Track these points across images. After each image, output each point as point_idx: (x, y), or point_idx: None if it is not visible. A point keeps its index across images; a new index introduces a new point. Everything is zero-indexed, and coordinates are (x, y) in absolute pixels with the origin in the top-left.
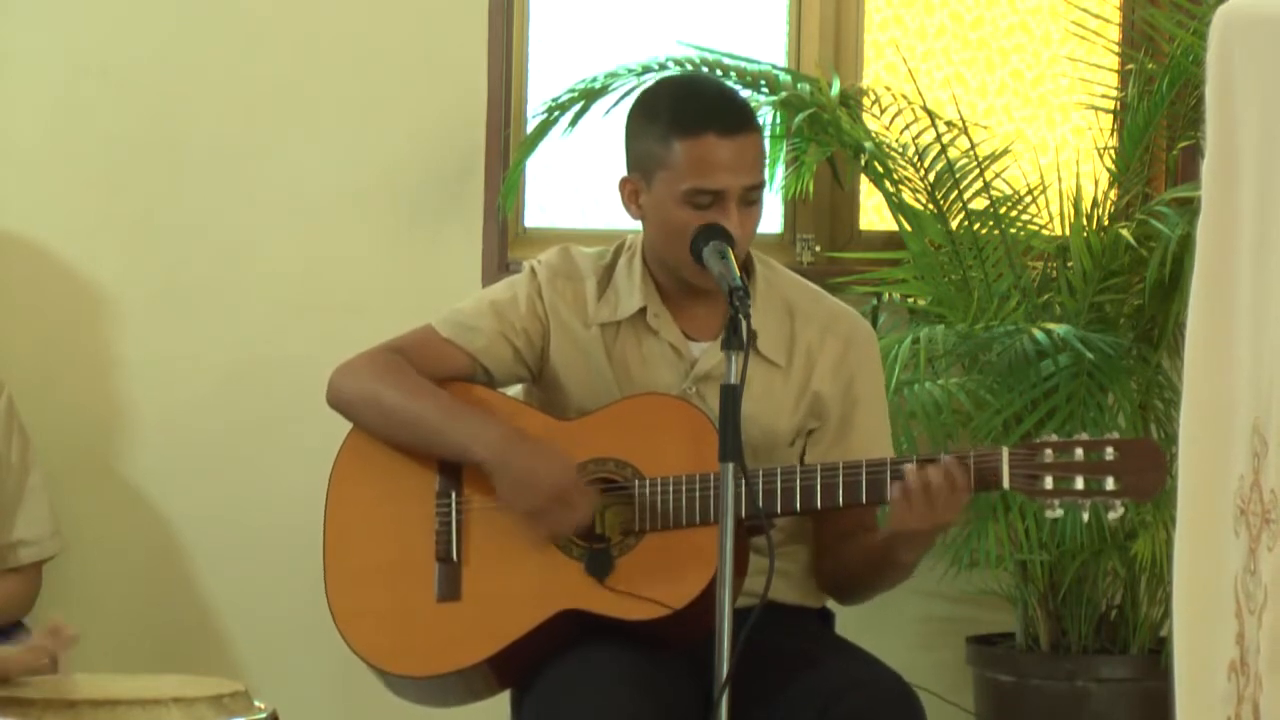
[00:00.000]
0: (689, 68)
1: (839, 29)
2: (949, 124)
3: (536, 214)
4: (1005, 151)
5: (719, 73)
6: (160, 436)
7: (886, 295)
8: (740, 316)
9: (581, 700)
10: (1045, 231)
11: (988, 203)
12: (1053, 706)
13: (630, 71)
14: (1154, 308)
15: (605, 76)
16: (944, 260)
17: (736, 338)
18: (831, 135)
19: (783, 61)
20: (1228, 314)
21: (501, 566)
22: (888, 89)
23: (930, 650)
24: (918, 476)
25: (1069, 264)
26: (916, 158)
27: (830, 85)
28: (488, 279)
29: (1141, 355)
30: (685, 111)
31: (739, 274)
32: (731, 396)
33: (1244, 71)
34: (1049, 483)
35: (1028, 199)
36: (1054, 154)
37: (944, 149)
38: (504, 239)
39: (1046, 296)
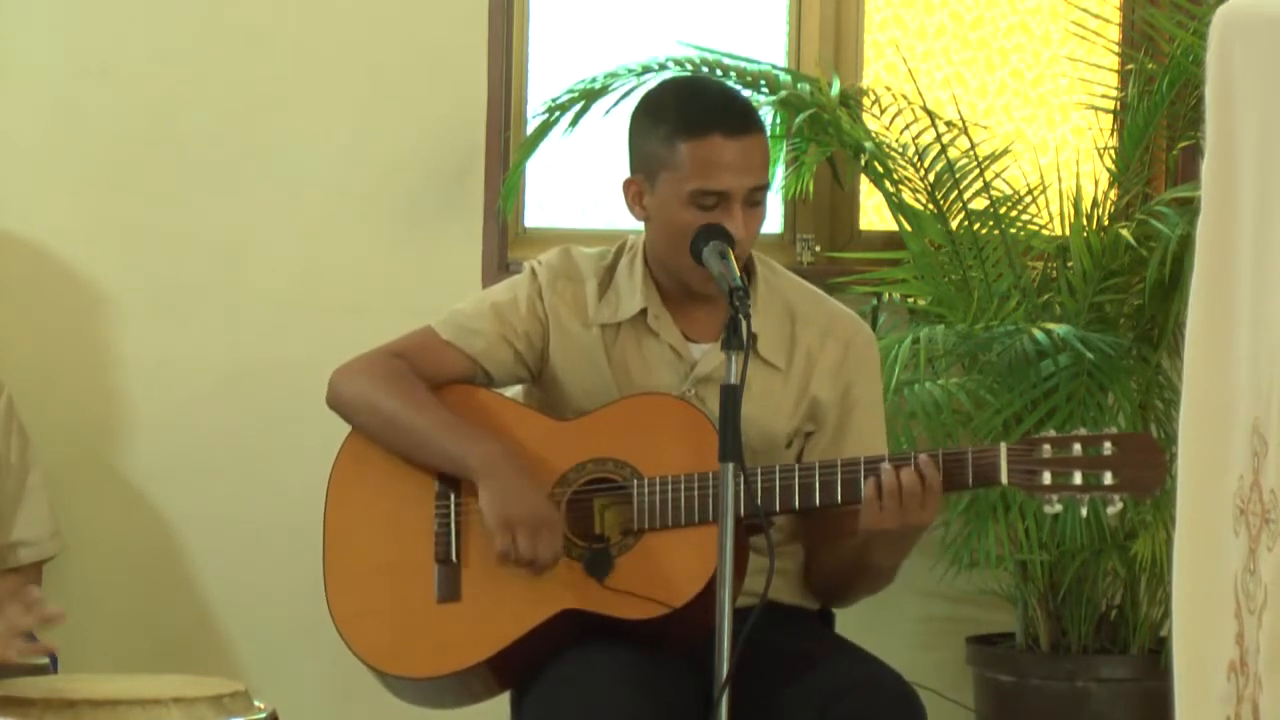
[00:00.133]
0: (689, 68)
1: (839, 29)
2: (949, 124)
3: (536, 214)
4: (1005, 151)
5: (719, 73)
6: (160, 436)
7: (886, 295)
8: (740, 316)
9: (581, 700)
10: (1045, 231)
11: (988, 203)
12: (1053, 706)
13: (630, 71)
14: (1154, 308)
15: (605, 76)
16: (944, 260)
17: (737, 338)
18: (831, 135)
19: (783, 61)
20: (1228, 314)
21: (501, 567)
22: (888, 89)
23: (930, 650)
24: (888, 477)
25: (1069, 264)
26: (916, 158)
27: (830, 85)
28: (488, 279)
29: (1141, 355)
30: (690, 113)
31: (739, 274)
32: (731, 397)
33: (1244, 71)
34: (1047, 478)
35: (1028, 199)
36: (1054, 154)
37: (944, 149)
38: (504, 239)
39: (1046, 296)
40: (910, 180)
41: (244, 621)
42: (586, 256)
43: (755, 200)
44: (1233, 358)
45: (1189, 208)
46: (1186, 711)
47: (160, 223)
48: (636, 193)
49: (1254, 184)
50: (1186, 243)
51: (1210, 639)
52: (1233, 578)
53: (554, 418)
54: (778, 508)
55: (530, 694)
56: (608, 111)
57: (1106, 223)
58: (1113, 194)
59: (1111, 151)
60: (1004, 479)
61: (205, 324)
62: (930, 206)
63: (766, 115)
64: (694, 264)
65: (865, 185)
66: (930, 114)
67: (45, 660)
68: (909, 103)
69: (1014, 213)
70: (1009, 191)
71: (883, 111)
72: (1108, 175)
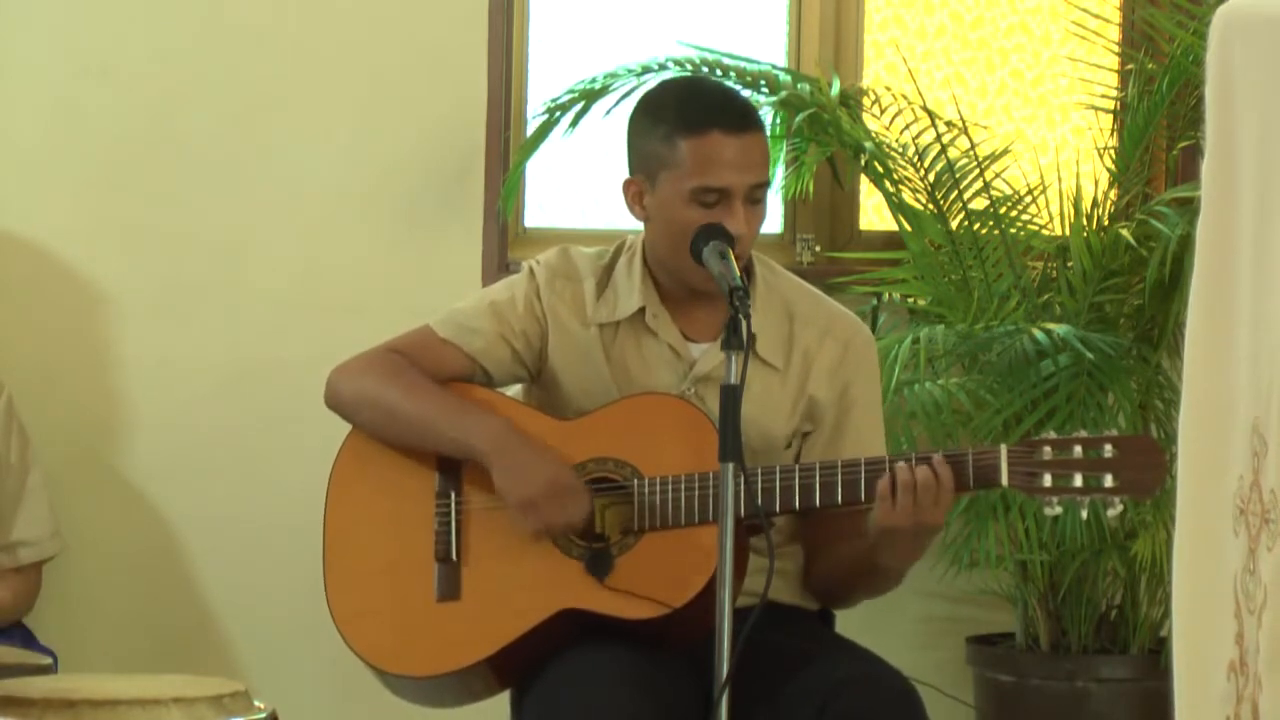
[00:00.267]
0: (689, 68)
1: (839, 29)
2: (949, 124)
3: (536, 214)
4: (1005, 151)
5: (719, 73)
6: (160, 436)
7: (886, 295)
8: (740, 316)
9: (581, 700)
10: (1045, 231)
11: (988, 203)
12: (1053, 706)
13: (630, 72)
14: (1154, 308)
15: (605, 77)
16: (944, 260)
17: (736, 337)
18: (831, 135)
19: (783, 61)
20: (1228, 314)
21: (501, 566)
22: (888, 89)
23: (930, 650)
24: (903, 473)
25: (1069, 264)
26: (916, 158)
27: (830, 85)
28: (488, 279)
29: (1141, 355)
30: (690, 111)
31: (739, 274)
32: (731, 397)
33: (1244, 71)
34: (1048, 480)
35: (1028, 199)
36: (1054, 154)
37: (944, 149)
38: (504, 239)
39: (1046, 296)
40: (910, 180)
41: (244, 621)
42: (585, 256)
43: (756, 198)
44: (1233, 358)
45: (1189, 208)
46: (1186, 711)
47: (160, 223)
48: (637, 193)
49: (1254, 184)
50: (1186, 243)
51: (1210, 639)
52: (1233, 578)
53: (554, 417)
54: (778, 508)
55: (530, 693)
56: (608, 111)
57: (1106, 223)
58: (1113, 194)
59: (1111, 151)
60: (1004, 481)
61: (205, 324)
62: (930, 206)
63: (766, 115)
64: (695, 264)
65: (865, 185)
66: (930, 114)
67: (46, 660)
68: (909, 103)
69: (1014, 213)
70: (1009, 191)
71: (883, 111)
72: (1108, 175)
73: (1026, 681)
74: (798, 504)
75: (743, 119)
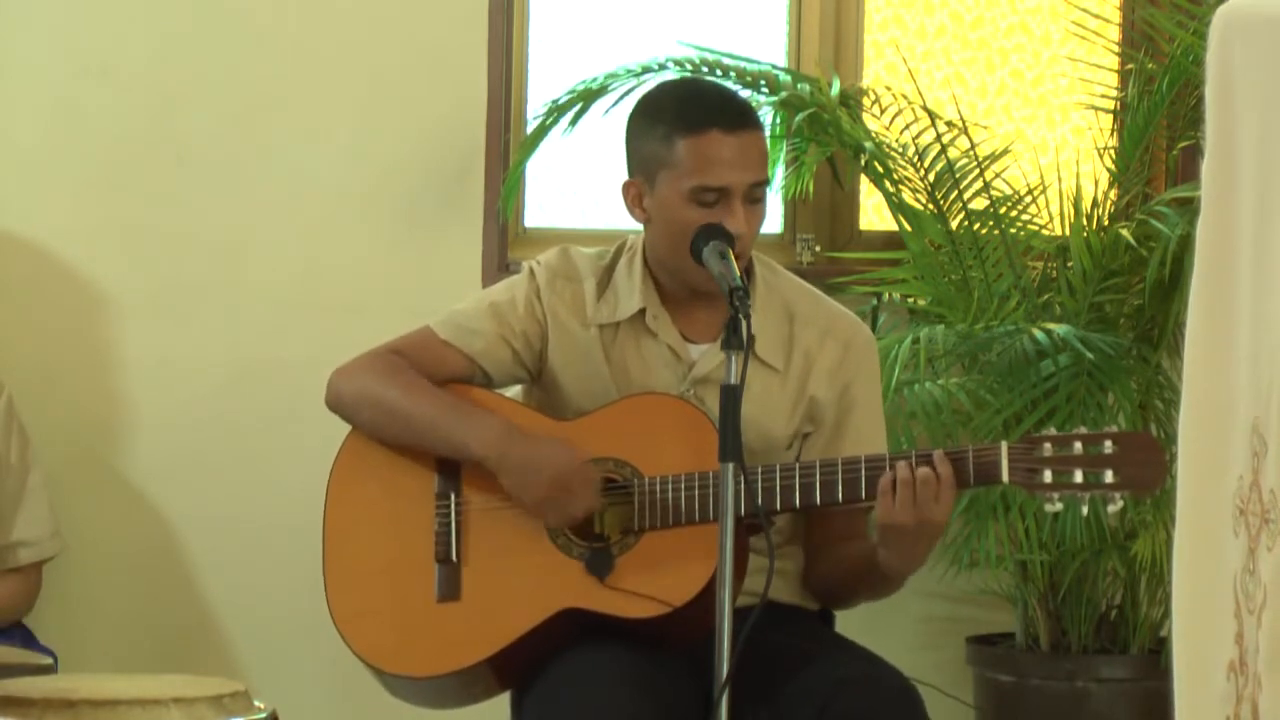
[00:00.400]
0: (689, 68)
1: (839, 29)
2: (949, 124)
3: (536, 214)
4: (1005, 151)
5: (719, 73)
6: (160, 436)
7: (886, 295)
8: (740, 316)
9: (581, 700)
10: (1045, 231)
11: (988, 203)
12: (1053, 706)
13: (630, 72)
14: (1154, 308)
15: (605, 77)
16: (944, 260)
17: (736, 338)
18: (831, 135)
19: (783, 61)
20: (1228, 314)
21: (501, 566)
22: (888, 89)
23: (930, 650)
24: (903, 470)
25: (1069, 264)
26: (916, 158)
27: (830, 85)
28: (488, 279)
29: (1141, 355)
30: (688, 110)
31: (739, 274)
32: (731, 397)
33: (1244, 71)
34: (1048, 476)
35: (1028, 199)
36: (1054, 154)
37: (944, 149)
38: (504, 239)
39: (1046, 296)
40: (910, 180)
41: (244, 621)
42: (585, 256)
43: (755, 197)
44: (1233, 358)
45: (1189, 208)
46: (1186, 711)
47: (160, 223)
48: (636, 195)
49: (1254, 184)
50: (1186, 243)
51: (1210, 639)
52: (1232, 578)
53: (553, 418)
54: (778, 507)
55: (530, 694)
56: (607, 112)
57: (1106, 223)
58: (1113, 194)
59: (1111, 151)
60: (1005, 477)
61: (205, 324)
62: (930, 206)
63: (766, 115)
64: (695, 264)
65: (865, 185)
66: (930, 114)
67: (46, 660)
68: (909, 103)
69: (1014, 213)
70: (1009, 191)
71: (883, 111)
72: (1108, 175)
73: (1026, 681)
74: (798, 502)
75: (741, 118)
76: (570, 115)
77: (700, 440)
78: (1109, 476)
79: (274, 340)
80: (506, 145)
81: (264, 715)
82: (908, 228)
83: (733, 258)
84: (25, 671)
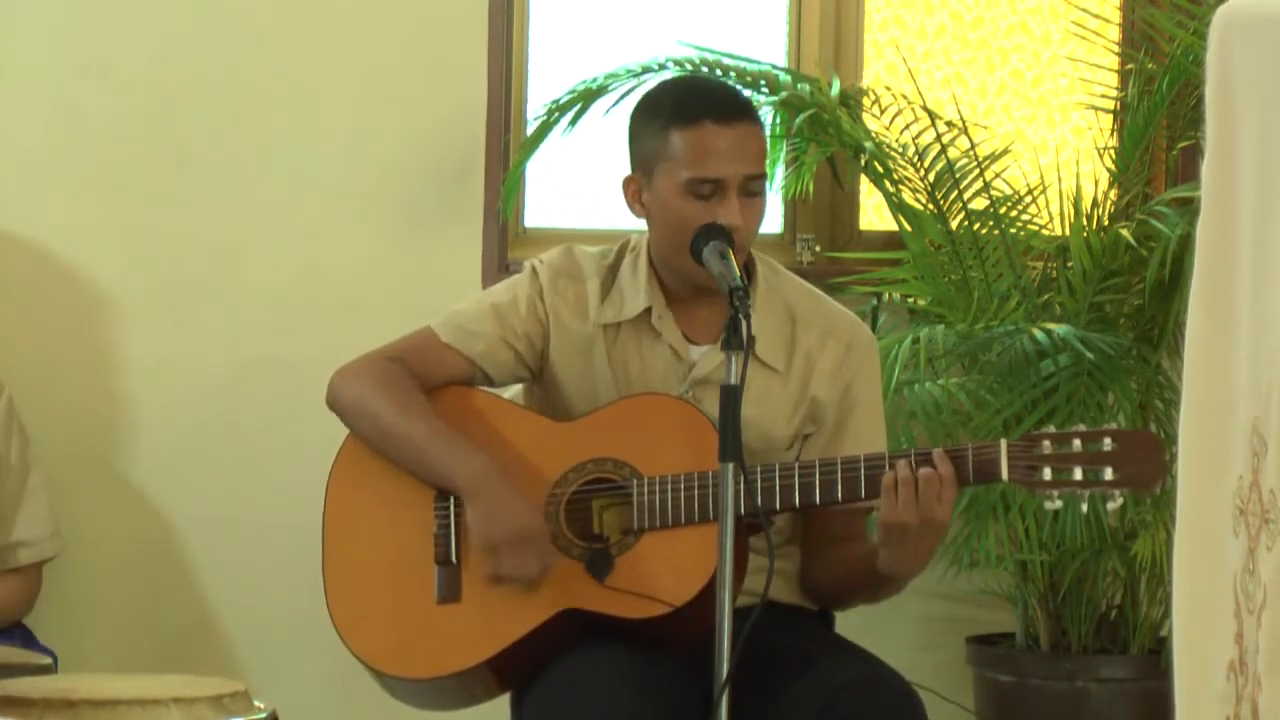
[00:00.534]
0: (689, 68)
1: (839, 29)
2: (949, 124)
3: (536, 214)
4: (1005, 151)
5: (719, 73)
6: (160, 436)
7: (886, 295)
8: (740, 316)
9: (581, 700)
10: (1045, 231)
11: (988, 203)
12: (1053, 706)
13: (630, 72)
14: (1154, 308)
15: (605, 77)
16: (944, 260)
17: (736, 338)
18: (831, 135)
19: (783, 61)
20: (1228, 314)
21: None
22: (888, 89)
23: (930, 650)
24: (903, 469)
25: (1069, 264)
26: (916, 158)
27: (830, 85)
28: (488, 279)
29: (1141, 355)
30: (683, 103)
31: (740, 274)
32: (731, 397)
33: (1244, 71)
34: (1047, 474)
35: (1028, 199)
36: (1054, 154)
37: (944, 149)
38: (504, 239)
39: (1046, 296)
40: (910, 180)
41: (244, 621)
42: (589, 256)
43: (752, 190)
44: (1233, 358)
45: (1189, 208)
46: (1186, 711)
47: (160, 223)
48: (636, 190)
49: (1254, 184)
50: (1186, 243)
51: (1210, 639)
52: (1232, 578)
53: (553, 418)
54: (778, 506)
55: (530, 694)
56: (607, 111)
57: (1106, 223)
58: (1113, 194)
59: (1111, 151)
60: (1004, 475)
61: (205, 324)
62: (930, 206)
63: (766, 115)
64: (695, 261)
65: (865, 185)
66: (930, 114)
67: (46, 660)
68: (909, 103)
69: (1014, 213)
70: (1009, 191)
71: (883, 111)
72: (1108, 175)
73: (1026, 682)
74: (797, 502)
75: (736, 110)
76: (570, 115)
77: (700, 441)
78: (1108, 474)
79: (274, 340)
80: (506, 145)
81: (264, 715)
82: (908, 228)
83: (733, 257)
84: (25, 671)
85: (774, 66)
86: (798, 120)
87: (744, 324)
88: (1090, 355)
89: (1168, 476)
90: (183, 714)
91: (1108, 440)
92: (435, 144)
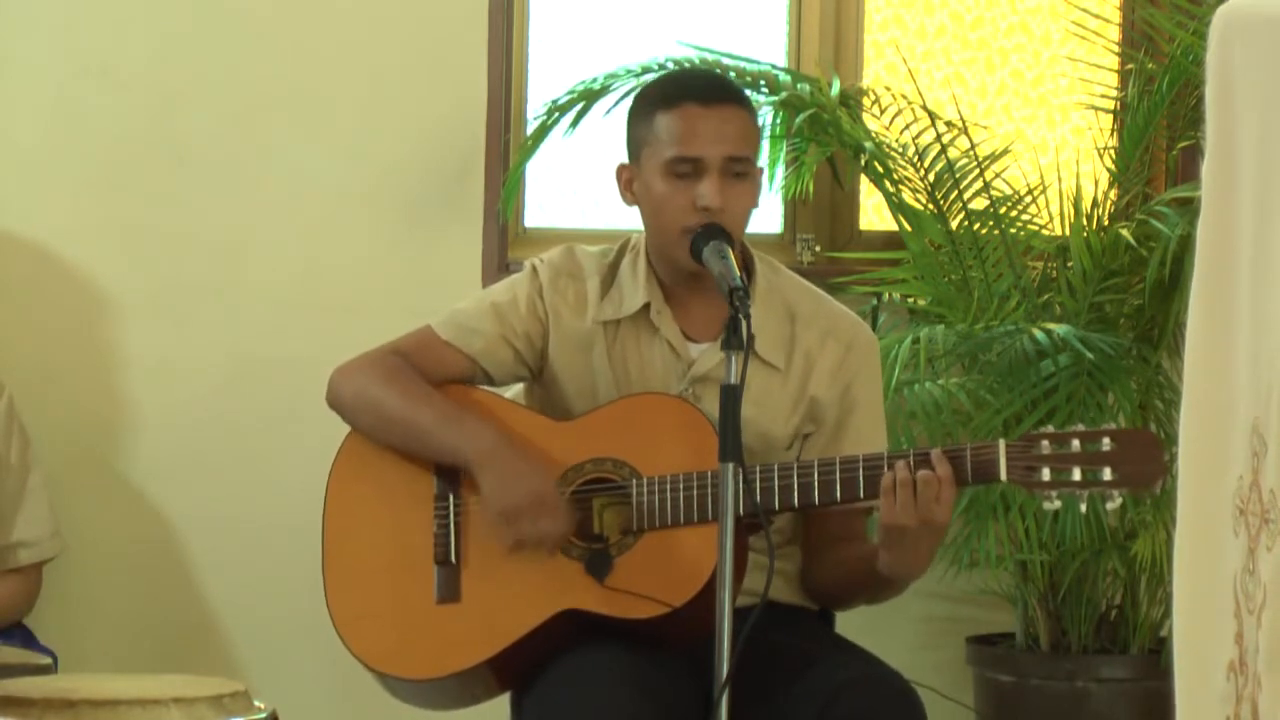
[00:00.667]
0: (689, 68)
1: (839, 29)
2: (949, 124)
3: (536, 214)
4: (1005, 151)
5: (723, 75)
6: (160, 436)
7: (886, 295)
8: (740, 316)
9: (581, 700)
10: (1045, 231)
11: (988, 203)
12: (1053, 706)
13: (630, 72)
14: (1154, 308)
15: (605, 77)
16: (944, 260)
17: (736, 337)
18: (831, 135)
19: (783, 61)
20: (1228, 314)
21: (500, 568)
22: (888, 89)
23: (930, 650)
24: (902, 470)
25: (1069, 264)
26: (916, 158)
27: (830, 85)
28: (488, 279)
29: (1141, 355)
30: (668, 88)
31: (740, 273)
32: (731, 397)
33: (1244, 71)
34: (1046, 474)
35: (1028, 199)
36: (1054, 154)
37: (944, 149)
38: (504, 239)
39: (1046, 296)
40: (910, 180)
41: (244, 621)
42: (589, 255)
43: (736, 171)
44: (1233, 358)
45: (1189, 208)
46: (1186, 711)
47: (160, 223)
48: (628, 179)
49: (1254, 184)
50: (1186, 243)
51: (1210, 639)
52: (1232, 578)
53: (553, 418)
54: (777, 506)
55: (530, 694)
56: (608, 111)
57: (1106, 223)
58: (1113, 194)
59: (1111, 151)
60: (1003, 475)
61: (205, 324)
62: (930, 206)
63: (766, 115)
64: (680, 236)
65: (865, 185)
66: (930, 114)
67: (46, 660)
68: (909, 103)
69: (1014, 213)
70: (1009, 191)
71: (883, 111)
72: (1108, 175)
73: (1026, 681)
74: (796, 502)
75: (717, 92)
76: (571, 115)
77: (699, 440)
78: (1107, 474)
79: (274, 340)
80: (506, 145)
81: (264, 715)
82: (908, 228)
83: (733, 257)
84: (25, 671)
85: (774, 66)
86: (798, 120)
87: (744, 324)
88: (1090, 355)
89: (1167, 476)
90: (183, 714)
91: (1106, 440)
92: (435, 144)
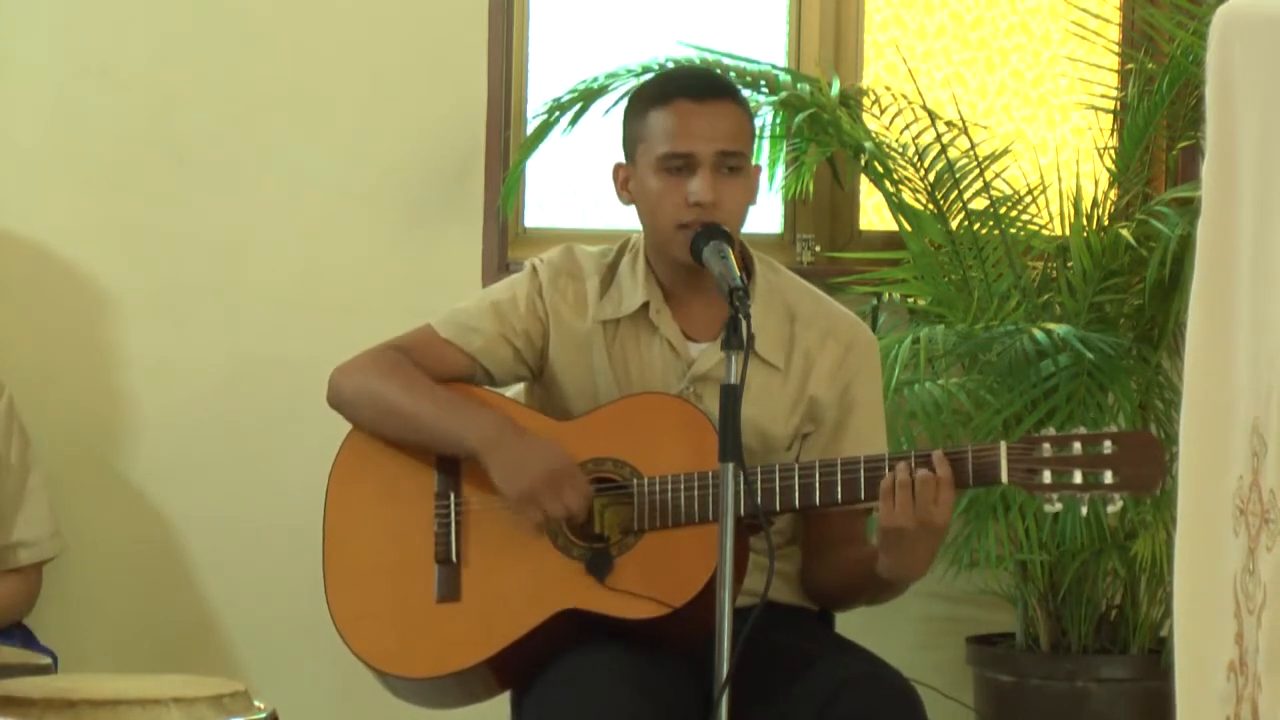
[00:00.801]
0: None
1: (839, 29)
2: (949, 124)
3: (536, 214)
4: (1005, 151)
5: (718, 72)
6: (161, 436)
7: (886, 295)
8: (740, 316)
9: (581, 700)
10: (1045, 231)
11: (988, 203)
12: (1053, 706)
13: (630, 71)
14: (1154, 308)
15: (605, 76)
16: (944, 260)
17: (736, 337)
18: (831, 135)
19: (783, 61)
20: (1228, 314)
21: (501, 567)
22: (888, 89)
23: (931, 650)
24: (901, 472)
25: (1069, 264)
26: (916, 158)
27: (830, 85)
28: (488, 279)
29: (1141, 355)
30: (661, 85)
31: (739, 273)
32: (732, 396)
33: (1244, 71)
34: (1047, 477)
35: (1028, 199)
36: (1054, 154)
37: (944, 149)
38: (504, 239)
39: (1046, 296)
40: (910, 180)
41: (244, 621)
42: (589, 255)
43: (730, 166)
44: (1233, 358)
45: (1189, 208)
46: (1186, 711)
47: (160, 223)
48: (624, 178)
49: (1254, 184)
50: (1186, 243)
51: (1210, 639)
52: (1232, 578)
53: (553, 418)
54: (778, 507)
55: (530, 694)
56: (607, 111)
57: (1106, 223)
58: (1113, 194)
59: (1111, 151)
60: (1004, 477)
61: (205, 324)
62: (930, 206)
63: (766, 115)
64: (674, 230)
65: (865, 185)
66: (930, 114)
67: (46, 660)
68: (909, 103)
69: (1014, 213)
70: (1009, 191)
71: (883, 111)
72: (1108, 175)
73: (1026, 681)
74: (797, 502)
75: (709, 88)
76: (571, 115)
77: (700, 440)
78: (1108, 477)
79: (274, 340)
80: (506, 145)
81: (264, 715)
82: (908, 228)
83: (733, 257)
84: (25, 671)
85: (774, 66)
86: (798, 120)
87: (744, 324)
88: (1090, 355)
89: (1168, 477)
90: (183, 714)
91: (1107, 443)
92: (435, 144)
